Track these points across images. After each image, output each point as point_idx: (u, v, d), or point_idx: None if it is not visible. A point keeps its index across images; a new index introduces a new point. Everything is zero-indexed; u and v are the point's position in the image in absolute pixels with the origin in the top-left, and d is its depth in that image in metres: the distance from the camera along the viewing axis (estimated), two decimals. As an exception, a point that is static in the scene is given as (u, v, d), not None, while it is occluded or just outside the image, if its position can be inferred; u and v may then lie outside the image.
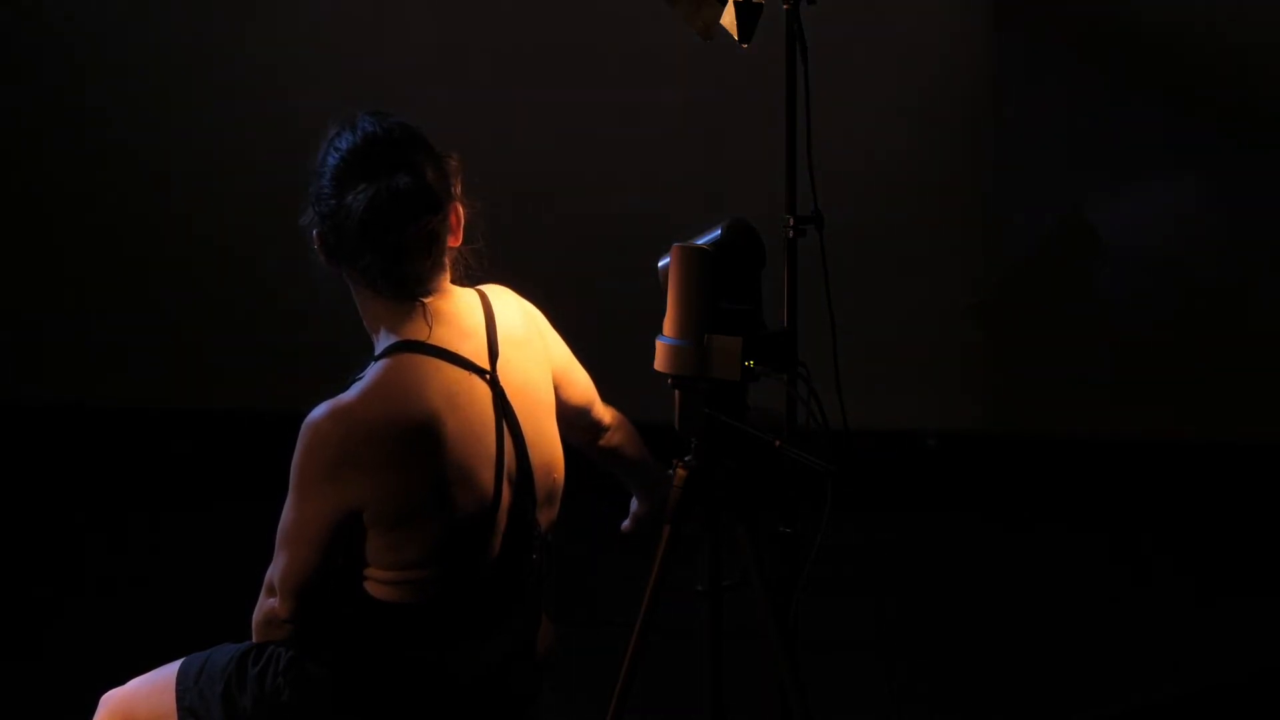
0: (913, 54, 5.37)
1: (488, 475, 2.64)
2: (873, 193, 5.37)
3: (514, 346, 2.72)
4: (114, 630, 4.47)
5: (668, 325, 2.71)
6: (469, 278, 2.75)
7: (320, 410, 2.58)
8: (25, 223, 5.94)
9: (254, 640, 2.71)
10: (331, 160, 2.64)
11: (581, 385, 2.90)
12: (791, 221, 2.85)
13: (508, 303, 2.78)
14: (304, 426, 2.58)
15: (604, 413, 2.94)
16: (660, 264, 2.73)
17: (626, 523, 3.01)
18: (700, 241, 2.69)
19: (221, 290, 5.86)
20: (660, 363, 2.71)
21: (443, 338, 2.65)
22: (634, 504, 3.02)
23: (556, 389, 2.83)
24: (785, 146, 2.84)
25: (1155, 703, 4.10)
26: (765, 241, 2.74)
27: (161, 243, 5.86)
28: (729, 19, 2.81)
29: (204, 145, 5.77)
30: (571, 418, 2.89)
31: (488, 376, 2.66)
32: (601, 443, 2.96)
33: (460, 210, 2.68)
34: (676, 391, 2.73)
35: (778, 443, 2.65)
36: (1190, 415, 5.42)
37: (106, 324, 5.91)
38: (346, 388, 2.61)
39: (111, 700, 2.81)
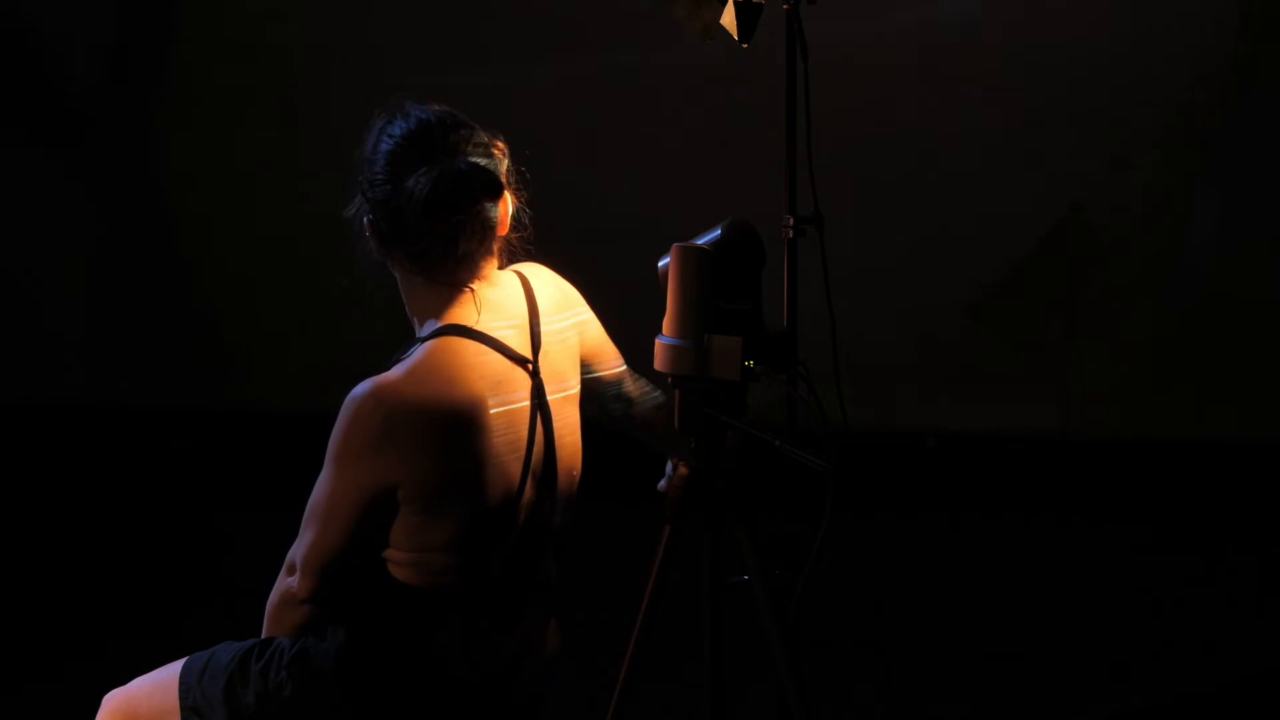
0: (910, 49, 5.38)
1: (517, 467, 2.65)
2: (874, 192, 5.38)
3: (553, 337, 2.73)
4: (116, 630, 4.48)
5: (667, 325, 2.71)
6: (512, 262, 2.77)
7: (364, 386, 2.58)
8: (25, 223, 5.94)
9: (266, 624, 2.72)
10: (385, 146, 2.64)
11: (613, 362, 2.91)
12: (791, 221, 2.85)
13: (546, 285, 2.79)
14: (347, 401, 2.58)
15: (633, 388, 2.95)
16: (660, 264, 2.73)
17: (663, 483, 2.99)
18: (700, 241, 2.69)
19: (223, 290, 5.87)
20: (660, 363, 2.71)
21: (490, 325, 2.66)
22: (669, 467, 3.02)
23: (589, 366, 2.85)
24: (785, 146, 2.84)
25: (1157, 703, 4.10)
26: (765, 241, 2.74)
27: (163, 243, 5.87)
28: (729, 19, 2.81)
29: (207, 147, 5.78)
30: (603, 394, 2.90)
31: (530, 367, 2.67)
32: (632, 414, 2.97)
33: (509, 198, 2.69)
34: (676, 391, 2.73)
35: (777, 443, 2.66)
36: (1191, 415, 5.43)
37: (107, 324, 5.92)
38: (388, 367, 2.62)
39: (114, 700, 2.81)
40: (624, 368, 2.93)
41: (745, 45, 2.82)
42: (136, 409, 5.87)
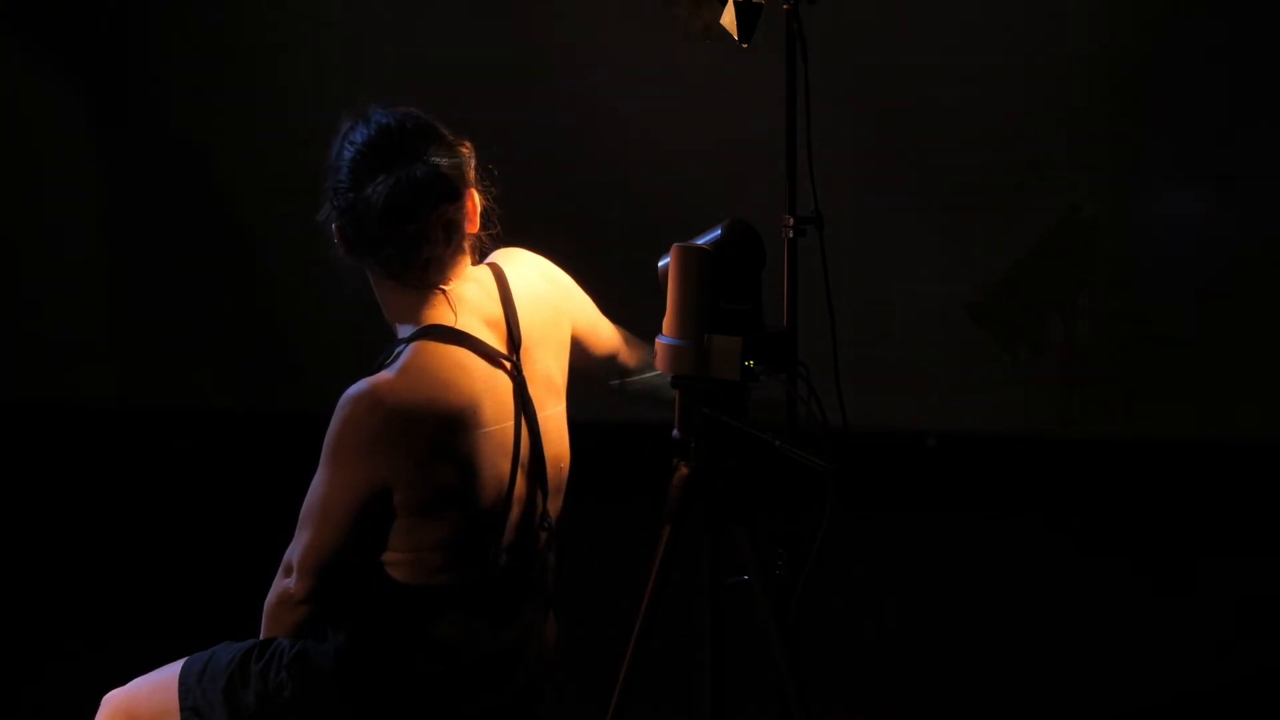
0: (904, 47, 5.38)
1: (506, 465, 2.66)
2: (873, 192, 5.38)
3: (534, 330, 2.73)
4: (116, 630, 4.48)
5: (667, 325, 2.71)
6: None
7: (360, 386, 2.58)
8: (22, 223, 5.94)
9: (264, 625, 2.72)
10: (347, 154, 2.65)
11: (606, 337, 2.92)
12: (791, 221, 2.85)
13: (525, 273, 2.79)
14: (344, 400, 2.58)
15: (630, 356, 2.96)
16: (660, 264, 2.73)
17: (676, 431, 2.96)
18: (700, 241, 2.69)
19: (222, 291, 5.87)
20: (660, 363, 2.72)
21: (469, 326, 2.66)
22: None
23: (584, 344, 2.86)
24: (785, 146, 2.84)
25: (1157, 703, 4.10)
26: (765, 241, 2.74)
27: (163, 243, 5.88)
28: (729, 19, 2.81)
29: (201, 148, 5.78)
30: (599, 368, 2.92)
31: (510, 367, 2.67)
32: (630, 383, 2.99)
33: (476, 197, 2.69)
34: (676, 391, 2.73)
35: (777, 443, 2.65)
36: (1191, 415, 5.43)
37: (105, 324, 5.92)
38: (374, 371, 2.62)
39: (113, 700, 2.80)
40: (617, 340, 2.94)
41: (745, 45, 2.82)
42: (136, 409, 5.87)
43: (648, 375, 2.97)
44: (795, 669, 2.72)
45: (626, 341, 2.96)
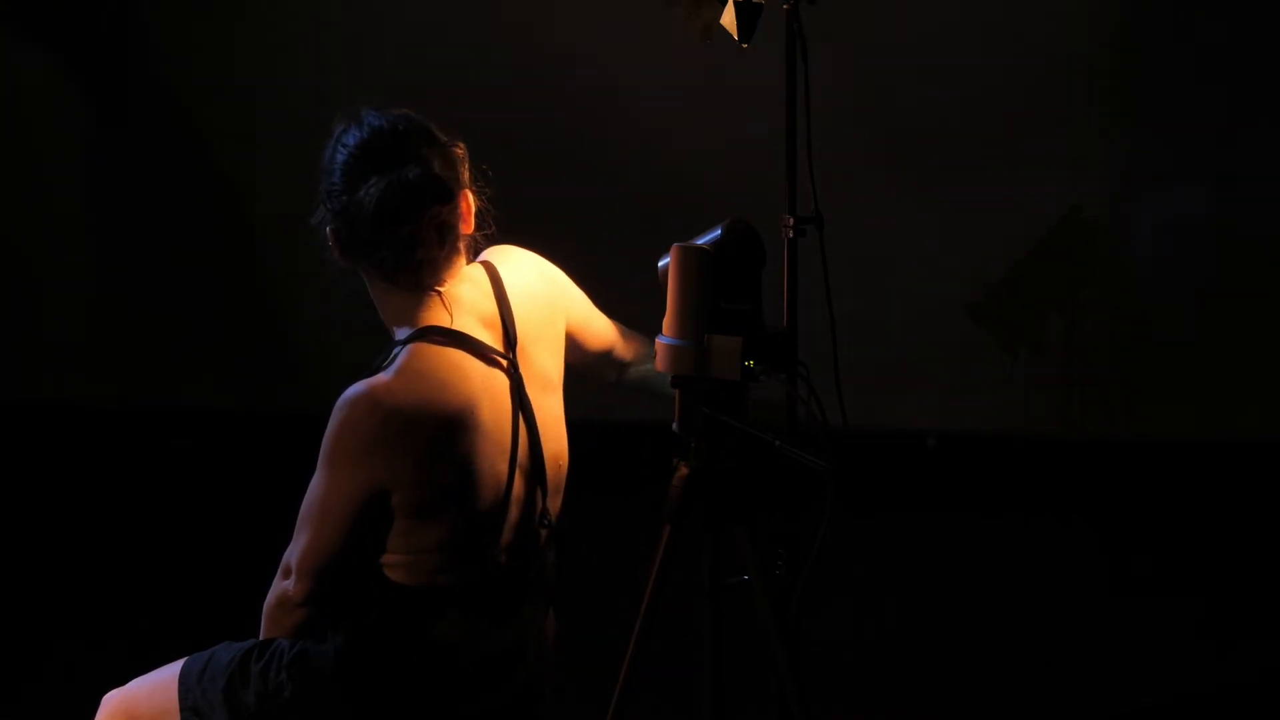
0: (905, 45, 5.37)
1: (505, 465, 2.66)
2: (873, 192, 5.38)
3: (529, 327, 2.73)
4: (115, 630, 4.48)
5: (667, 325, 2.71)
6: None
7: (358, 388, 2.58)
8: (22, 223, 5.94)
9: (263, 627, 2.72)
10: (340, 157, 2.65)
11: (601, 332, 2.92)
12: (791, 221, 2.85)
13: (520, 270, 2.79)
14: (342, 402, 2.58)
15: (626, 350, 2.96)
16: (660, 264, 2.73)
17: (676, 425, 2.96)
18: (700, 241, 2.69)
19: (222, 291, 5.87)
20: (660, 363, 2.72)
21: (465, 326, 2.66)
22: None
23: (579, 340, 2.86)
24: (785, 146, 2.84)
25: (1157, 703, 4.10)
26: (765, 241, 2.74)
27: (163, 243, 5.87)
28: (729, 19, 2.81)
29: (201, 147, 5.78)
30: (596, 364, 2.92)
31: (507, 365, 2.67)
32: (627, 376, 2.99)
33: (470, 198, 2.69)
34: (676, 391, 2.73)
35: (777, 443, 2.65)
36: (1191, 415, 5.42)
37: (105, 324, 5.92)
38: (371, 373, 2.62)
39: (113, 700, 2.80)
40: (613, 335, 2.94)
41: (745, 45, 2.82)
42: (136, 409, 5.87)
43: (646, 370, 2.97)
44: (795, 669, 2.72)
45: (623, 335, 2.96)
